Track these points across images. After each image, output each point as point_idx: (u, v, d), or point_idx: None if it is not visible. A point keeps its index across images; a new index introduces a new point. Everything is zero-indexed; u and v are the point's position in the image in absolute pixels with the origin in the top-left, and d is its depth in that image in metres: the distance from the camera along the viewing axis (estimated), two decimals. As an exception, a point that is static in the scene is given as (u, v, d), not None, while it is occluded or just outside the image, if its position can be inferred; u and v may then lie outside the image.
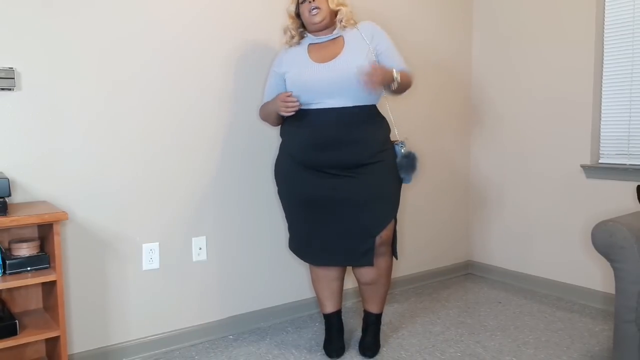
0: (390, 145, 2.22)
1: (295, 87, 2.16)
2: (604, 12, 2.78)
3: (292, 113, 2.12)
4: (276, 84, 2.27)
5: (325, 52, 2.18)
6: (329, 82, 2.10)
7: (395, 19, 3.00)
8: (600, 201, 2.81)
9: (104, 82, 2.16)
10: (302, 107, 2.18)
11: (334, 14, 2.20)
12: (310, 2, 2.14)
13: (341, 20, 2.19)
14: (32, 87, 2.00)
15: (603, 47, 2.80)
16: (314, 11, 2.15)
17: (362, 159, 2.12)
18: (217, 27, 2.43)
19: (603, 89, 2.81)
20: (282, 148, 2.27)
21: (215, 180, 2.47)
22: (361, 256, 2.15)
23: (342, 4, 2.20)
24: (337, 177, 2.14)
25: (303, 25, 2.26)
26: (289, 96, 2.11)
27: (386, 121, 2.25)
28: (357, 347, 2.35)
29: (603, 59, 2.80)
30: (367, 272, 2.22)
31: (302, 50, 2.23)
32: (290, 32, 2.25)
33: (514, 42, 3.19)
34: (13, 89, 1.96)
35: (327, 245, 2.20)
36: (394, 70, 2.09)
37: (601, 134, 2.84)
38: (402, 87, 2.16)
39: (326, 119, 2.12)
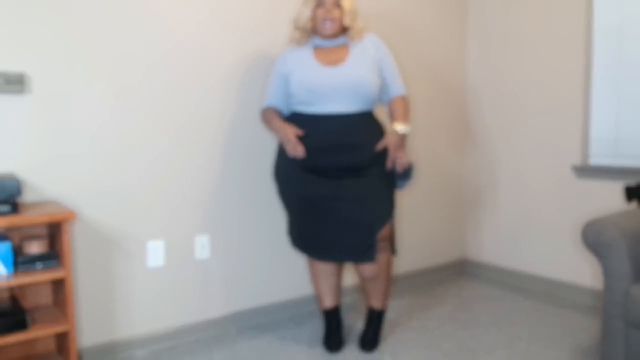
0: (386, 149, 2.25)
1: (300, 88, 2.20)
2: (593, 17, 2.82)
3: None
4: (279, 83, 2.30)
5: (332, 57, 2.23)
6: (334, 86, 2.16)
7: (389, 24, 3.03)
8: (590, 200, 2.85)
9: (111, 86, 2.20)
10: (303, 109, 2.23)
11: (345, 26, 2.25)
12: (327, 11, 2.18)
13: (352, 34, 2.24)
14: (41, 90, 2.04)
15: (592, 50, 2.84)
16: (328, 23, 2.19)
17: (360, 163, 2.18)
18: (221, 33, 2.46)
19: (592, 92, 2.85)
20: (281, 148, 2.30)
21: (218, 180, 2.51)
22: (363, 252, 2.19)
23: (356, 22, 2.25)
24: (337, 178, 2.19)
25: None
26: (299, 143, 2.14)
27: (382, 126, 2.32)
28: (356, 342, 2.40)
29: (592, 62, 2.84)
30: (368, 268, 2.27)
31: (307, 51, 2.27)
32: (303, 33, 2.27)
33: (506, 46, 3.23)
34: (23, 93, 2.00)
35: (330, 242, 2.23)
36: (397, 130, 2.20)
37: (590, 135, 2.88)
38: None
39: (327, 125, 2.17)
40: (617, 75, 2.76)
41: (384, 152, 2.24)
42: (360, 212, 2.17)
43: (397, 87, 2.31)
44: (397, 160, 2.19)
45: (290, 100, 2.28)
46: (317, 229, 2.25)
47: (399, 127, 2.22)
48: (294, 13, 2.37)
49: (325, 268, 2.38)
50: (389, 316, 2.67)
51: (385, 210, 2.24)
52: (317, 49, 2.28)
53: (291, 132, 2.17)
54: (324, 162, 2.19)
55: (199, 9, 2.41)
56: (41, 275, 1.83)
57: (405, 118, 2.26)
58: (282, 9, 2.61)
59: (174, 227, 2.40)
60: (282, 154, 2.31)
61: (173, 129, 2.38)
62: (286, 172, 2.29)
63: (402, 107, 2.29)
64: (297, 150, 2.15)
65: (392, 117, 2.28)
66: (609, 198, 2.77)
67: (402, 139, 2.22)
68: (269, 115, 2.34)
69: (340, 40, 2.27)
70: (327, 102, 2.18)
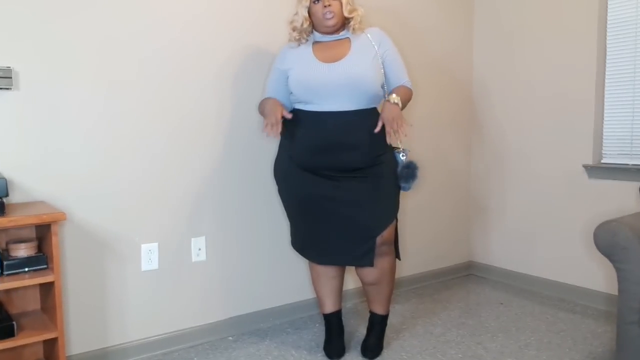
0: (389, 149, 2.20)
1: (298, 85, 2.15)
2: (607, 10, 2.77)
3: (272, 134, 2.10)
4: (277, 80, 2.26)
5: (331, 52, 2.17)
6: (333, 83, 2.10)
7: (393, 17, 3.00)
8: (603, 201, 2.80)
9: (103, 82, 2.15)
10: (303, 107, 2.18)
11: (346, 17, 2.19)
12: (325, 5, 2.12)
13: (354, 24, 2.18)
14: (30, 86, 2.00)
15: (606, 45, 2.79)
16: (329, 14, 2.12)
17: (361, 163, 2.12)
18: (217, 28, 2.42)
19: (605, 88, 2.81)
20: (281, 147, 2.27)
21: (215, 181, 2.46)
22: (361, 257, 2.14)
23: (355, 10, 2.19)
24: (337, 178, 2.14)
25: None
26: (278, 124, 2.06)
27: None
28: (358, 348, 2.34)
29: (605, 57, 2.80)
30: (369, 273, 2.21)
31: (307, 47, 2.22)
32: (301, 33, 2.21)
33: (515, 40, 3.19)
34: (11, 89, 1.95)
35: (328, 244, 2.19)
36: (392, 97, 2.12)
37: (604, 133, 2.83)
38: (403, 106, 2.18)
39: (326, 123, 2.11)
40: (633, 71, 2.70)
41: (386, 151, 2.18)
42: (359, 215, 2.12)
43: (402, 80, 2.24)
44: (396, 130, 2.06)
45: (291, 98, 2.24)
46: (315, 231, 2.21)
47: (392, 97, 2.11)
48: (292, 8, 2.31)
49: (326, 271, 2.32)
50: (393, 321, 2.62)
51: (386, 212, 2.18)
52: (316, 44, 2.22)
53: (278, 110, 2.09)
54: (323, 162, 2.13)
55: (194, 3, 2.36)
56: (29, 280, 1.79)
57: (401, 96, 2.15)
58: (280, 3, 2.56)
59: (169, 229, 2.36)
60: (281, 152, 2.27)
61: (169, 127, 2.33)
62: (285, 171, 2.25)
63: (403, 89, 2.21)
64: (273, 129, 2.05)
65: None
66: (623, 198, 2.71)
67: (396, 108, 2.10)
68: (263, 101, 2.27)
69: (341, 34, 2.21)
70: (326, 100, 2.12)
